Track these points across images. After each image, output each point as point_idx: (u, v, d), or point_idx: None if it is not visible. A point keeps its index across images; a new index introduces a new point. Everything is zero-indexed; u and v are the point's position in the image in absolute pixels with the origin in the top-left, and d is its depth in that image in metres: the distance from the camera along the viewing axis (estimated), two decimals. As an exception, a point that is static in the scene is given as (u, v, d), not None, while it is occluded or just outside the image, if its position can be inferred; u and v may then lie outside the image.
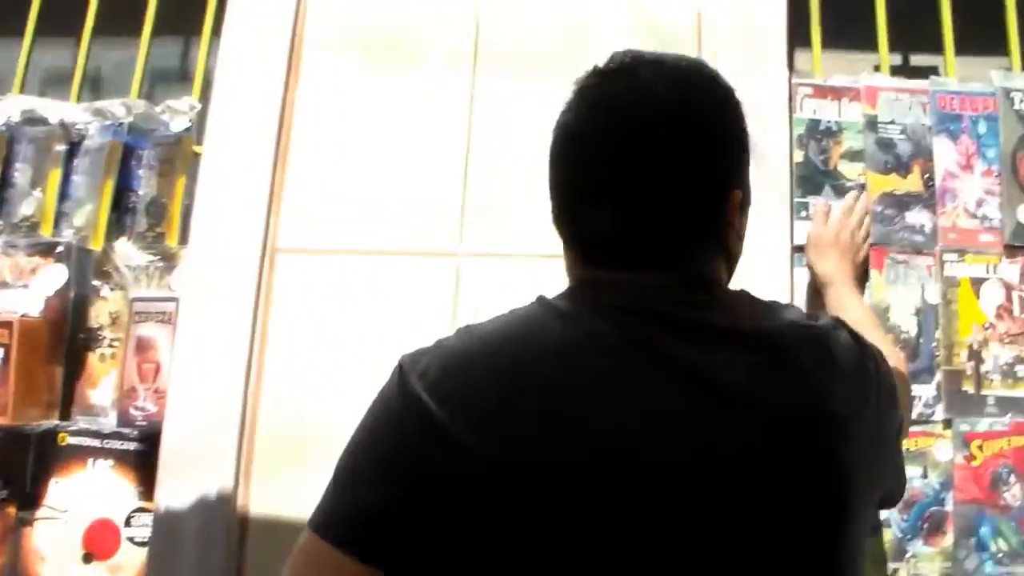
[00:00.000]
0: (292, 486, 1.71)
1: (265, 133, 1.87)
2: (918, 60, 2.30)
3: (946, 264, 1.93)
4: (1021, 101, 2.03)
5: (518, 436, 0.89)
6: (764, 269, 1.79)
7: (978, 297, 1.92)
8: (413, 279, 1.80)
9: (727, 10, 1.93)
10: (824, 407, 0.94)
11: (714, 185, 1.03)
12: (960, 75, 2.09)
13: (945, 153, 1.96)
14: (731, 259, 1.09)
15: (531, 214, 1.81)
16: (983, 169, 1.97)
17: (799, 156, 1.95)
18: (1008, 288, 1.93)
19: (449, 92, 1.89)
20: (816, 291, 1.82)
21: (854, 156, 1.97)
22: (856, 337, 1.05)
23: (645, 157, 0.99)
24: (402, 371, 0.97)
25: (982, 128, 2.00)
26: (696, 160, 1.01)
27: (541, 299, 1.03)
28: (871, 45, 2.15)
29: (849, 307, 1.67)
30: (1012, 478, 1.82)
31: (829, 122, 1.99)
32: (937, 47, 2.19)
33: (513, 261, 1.81)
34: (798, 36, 2.04)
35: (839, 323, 1.07)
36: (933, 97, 1.99)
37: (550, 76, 1.86)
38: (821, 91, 2.00)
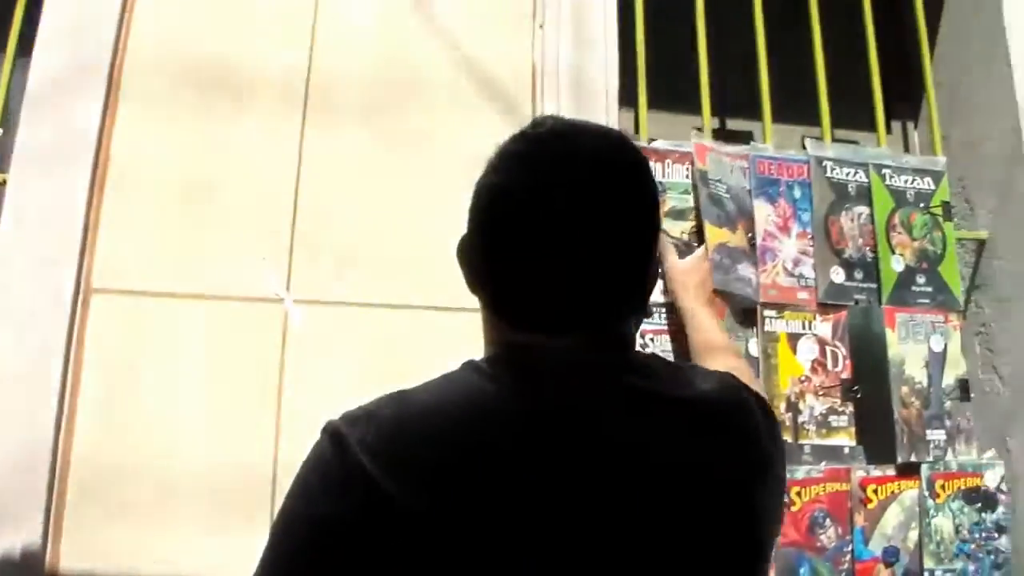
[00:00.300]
0: (108, 543, 1.60)
1: (80, 168, 1.76)
2: (735, 124, 2.40)
3: (766, 320, 2.02)
4: (832, 169, 2.16)
5: (461, 498, 0.88)
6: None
7: (795, 352, 2.01)
8: (239, 324, 1.74)
9: (563, 69, 1.97)
10: (751, 457, 1.01)
11: (643, 244, 1.03)
12: (775, 142, 2.20)
13: (764, 215, 2.05)
14: (646, 315, 1.11)
15: (359, 261, 1.80)
16: (799, 231, 2.08)
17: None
18: (822, 343, 2.03)
19: (279, 135, 1.85)
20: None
21: (678, 215, 2.03)
22: (759, 399, 1.12)
23: (580, 216, 0.97)
24: (340, 438, 0.93)
25: (797, 193, 2.11)
26: (628, 220, 1.00)
27: (471, 363, 1.01)
28: (692, 108, 2.24)
29: (713, 335, 1.75)
30: (827, 521, 1.90)
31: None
32: (753, 114, 2.30)
33: (340, 309, 1.78)
34: (623, 96, 2.10)
35: (739, 384, 1.12)
36: (752, 161, 2.09)
37: (384, 125, 1.87)
38: (646, 152, 2.07)
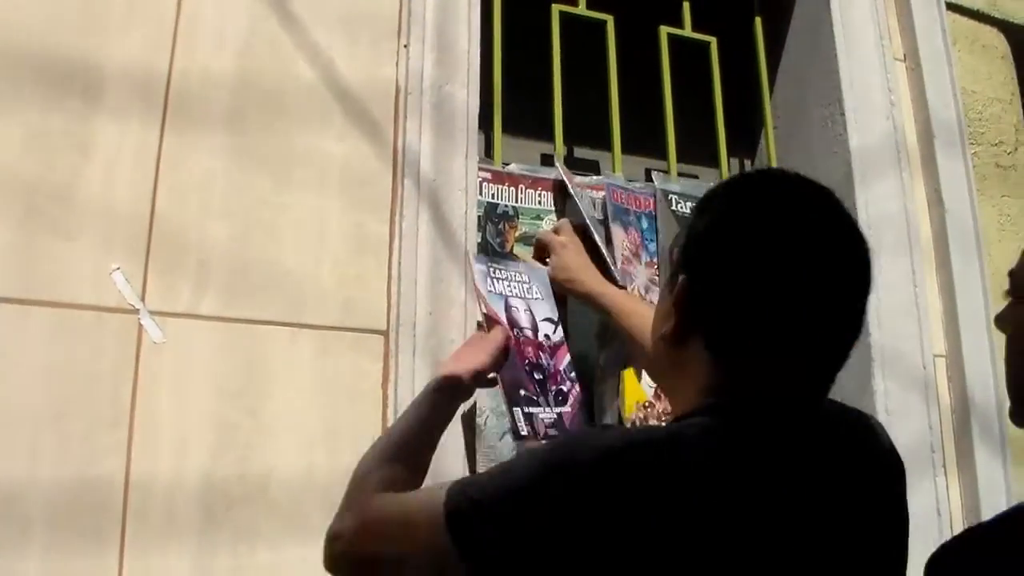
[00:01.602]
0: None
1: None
2: (582, 153, 2.52)
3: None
4: (677, 202, 2.31)
5: None
6: (452, 346, 1.91)
7: (639, 378, 2.13)
8: (90, 335, 1.71)
9: (426, 88, 2.04)
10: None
11: None
12: (626, 173, 2.34)
13: (620, 240, 2.17)
14: None
15: (217, 274, 1.82)
16: (647, 260, 2.21)
17: (477, 237, 2.07)
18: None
19: (136, 139, 1.82)
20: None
21: (529, 240, 2.13)
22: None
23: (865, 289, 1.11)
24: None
25: (644, 223, 2.25)
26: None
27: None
28: (540, 134, 2.36)
29: (632, 303, 1.87)
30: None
31: (507, 206, 2.15)
32: (599, 143, 2.44)
33: (197, 322, 1.78)
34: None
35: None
36: (609, 189, 2.21)
37: (246, 136, 1.90)
38: (499, 177, 2.16)
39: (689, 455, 1.00)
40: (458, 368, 1.58)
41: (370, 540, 1.20)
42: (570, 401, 1.89)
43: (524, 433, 1.77)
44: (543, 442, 1.75)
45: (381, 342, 1.88)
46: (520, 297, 1.94)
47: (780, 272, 1.04)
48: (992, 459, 2.37)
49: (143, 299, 1.76)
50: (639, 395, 2.13)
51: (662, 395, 2.13)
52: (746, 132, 2.75)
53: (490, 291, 1.91)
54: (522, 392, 1.81)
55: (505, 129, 2.23)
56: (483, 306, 1.89)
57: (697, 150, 2.56)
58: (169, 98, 1.87)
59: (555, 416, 1.84)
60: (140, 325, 1.74)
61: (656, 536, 0.94)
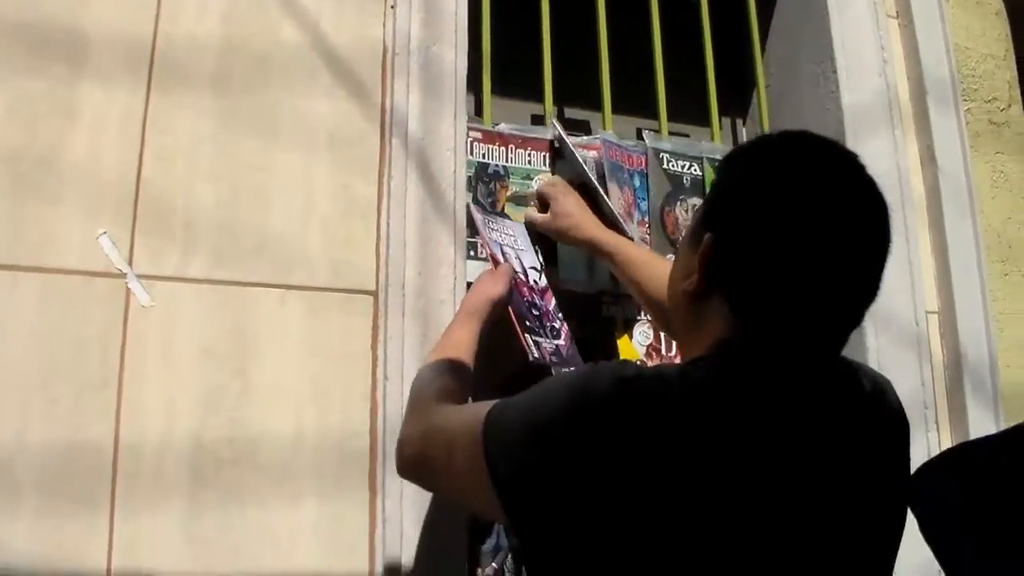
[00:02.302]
0: None
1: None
2: (573, 114, 2.52)
3: (603, 305, 2.15)
4: (668, 161, 2.31)
5: None
6: (441, 306, 1.91)
7: (631, 337, 2.14)
8: (78, 299, 1.71)
9: (414, 49, 2.03)
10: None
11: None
12: (617, 132, 2.33)
13: (616, 198, 2.17)
14: None
15: (204, 237, 1.82)
16: (638, 219, 2.21)
17: (468, 197, 2.07)
18: (656, 329, 2.17)
19: (122, 103, 1.82)
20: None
21: (519, 200, 2.13)
22: None
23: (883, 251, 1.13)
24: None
25: (636, 181, 2.25)
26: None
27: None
28: (530, 95, 2.35)
29: (640, 252, 1.92)
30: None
31: (497, 166, 2.15)
32: (590, 104, 2.43)
33: (185, 285, 1.78)
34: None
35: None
36: (604, 145, 2.21)
37: (233, 98, 1.89)
38: (490, 136, 2.16)
39: (688, 387, 1.05)
40: (482, 297, 1.74)
41: (431, 446, 1.29)
42: (563, 335, 1.92)
43: (535, 356, 1.82)
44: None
45: (370, 303, 1.89)
46: (511, 247, 1.95)
47: (805, 236, 1.07)
48: (985, 415, 2.37)
49: (130, 263, 1.76)
50: (631, 355, 2.13)
51: (653, 354, 2.14)
52: (738, 90, 2.74)
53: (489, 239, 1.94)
54: (527, 322, 1.85)
55: (495, 90, 2.22)
56: (487, 248, 1.93)
57: (688, 109, 2.55)
58: (154, 62, 1.86)
59: (554, 346, 1.87)
60: (128, 289, 1.75)
61: (651, 465, 0.99)
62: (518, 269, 1.91)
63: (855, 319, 1.14)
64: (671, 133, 2.43)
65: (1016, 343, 2.51)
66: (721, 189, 1.20)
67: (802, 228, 1.07)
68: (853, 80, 2.50)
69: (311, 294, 1.86)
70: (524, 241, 2.03)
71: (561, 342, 1.91)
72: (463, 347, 1.60)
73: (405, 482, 1.70)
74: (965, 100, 2.68)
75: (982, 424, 2.37)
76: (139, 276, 1.76)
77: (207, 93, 1.88)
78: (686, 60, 2.54)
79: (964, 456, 1.28)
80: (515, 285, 1.86)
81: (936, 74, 2.61)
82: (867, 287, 1.12)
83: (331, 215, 1.91)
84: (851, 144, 2.38)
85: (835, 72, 2.49)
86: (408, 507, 1.78)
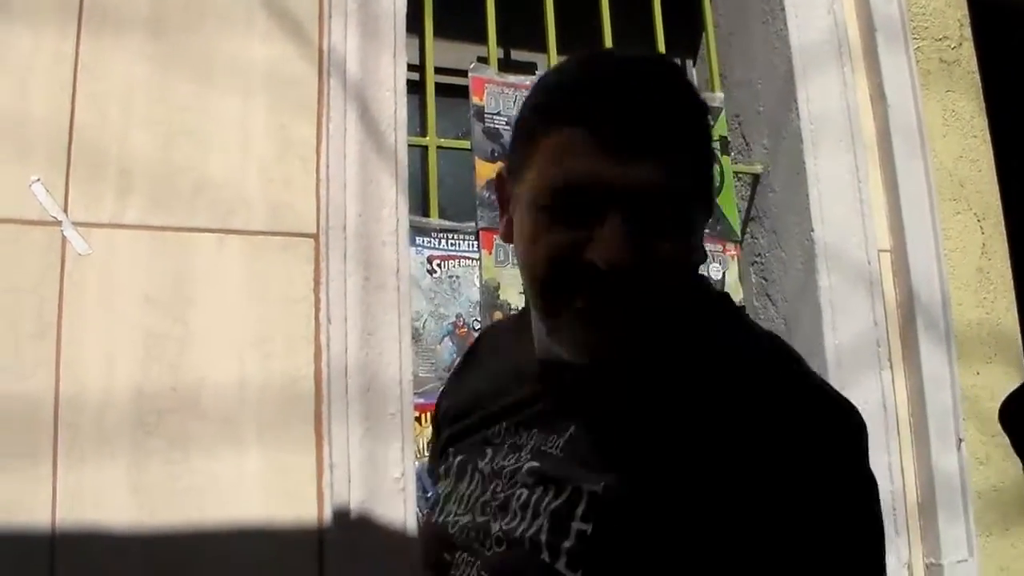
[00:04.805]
0: None
1: None
2: (519, 56, 2.51)
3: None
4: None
5: None
6: (384, 248, 1.91)
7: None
8: (12, 248, 1.69)
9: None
10: None
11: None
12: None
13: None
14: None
15: (140, 183, 1.80)
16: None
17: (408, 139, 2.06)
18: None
19: (51, 47, 1.79)
20: None
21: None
22: None
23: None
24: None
25: (581, 124, 2.25)
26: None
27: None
28: (476, 37, 2.34)
29: None
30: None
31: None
32: (536, 46, 2.42)
33: (121, 232, 1.78)
34: (408, 24, 2.16)
35: None
36: (539, 90, 2.21)
37: (167, 42, 1.87)
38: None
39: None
40: None
41: None
42: None
43: None
44: None
45: (311, 245, 1.88)
46: None
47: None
48: (937, 353, 2.40)
49: (66, 211, 1.74)
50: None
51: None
52: (686, 30, 2.73)
53: None
54: None
55: (437, 32, 2.22)
56: None
57: (637, 49, 2.54)
58: (84, 5, 1.84)
59: None
60: (63, 237, 1.73)
61: None
62: None
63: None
64: (619, 75, 2.42)
65: (968, 281, 2.54)
66: None
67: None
68: (802, 18, 2.51)
69: (251, 238, 1.85)
70: None
71: None
72: None
73: (352, 426, 1.71)
74: (915, 38, 2.69)
75: (934, 362, 2.40)
76: (75, 223, 1.74)
77: (140, 36, 1.86)
78: (632, 1, 2.53)
79: None
80: None
81: (885, 11, 2.62)
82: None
83: (269, 158, 1.90)
84: (800, 82, 2.40)
85: (783, 10, 2.49)
86: (355, 451, 1.78)
